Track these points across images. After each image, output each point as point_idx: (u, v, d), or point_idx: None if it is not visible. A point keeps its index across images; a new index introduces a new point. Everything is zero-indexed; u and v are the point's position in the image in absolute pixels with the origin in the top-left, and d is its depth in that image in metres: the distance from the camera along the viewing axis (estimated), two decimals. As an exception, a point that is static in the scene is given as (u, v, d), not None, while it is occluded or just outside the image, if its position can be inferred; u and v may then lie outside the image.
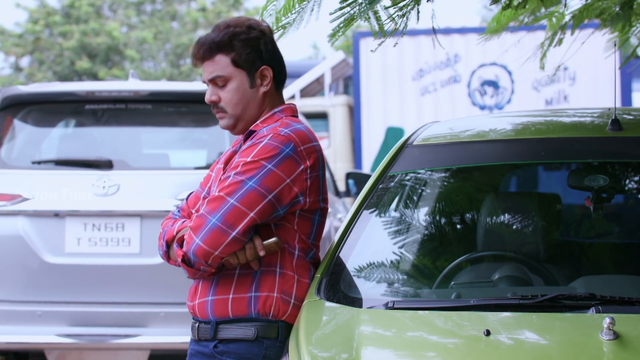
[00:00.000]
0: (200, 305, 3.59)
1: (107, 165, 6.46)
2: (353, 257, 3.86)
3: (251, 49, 3.58)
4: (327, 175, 8.98)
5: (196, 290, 3.62)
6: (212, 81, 3.61)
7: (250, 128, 3.63)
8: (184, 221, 3.63)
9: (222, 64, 3.58)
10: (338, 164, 15.33)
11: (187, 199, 3.77)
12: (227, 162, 3.67)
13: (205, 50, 3.59)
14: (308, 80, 16.69)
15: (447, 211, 4.38)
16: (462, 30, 15.23)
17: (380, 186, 4.12)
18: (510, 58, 13.94)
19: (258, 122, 3.63)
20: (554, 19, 5.48)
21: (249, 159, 3.50)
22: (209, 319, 3.57)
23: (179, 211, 3.75)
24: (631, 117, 4.25)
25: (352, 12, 4.04)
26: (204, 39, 3.61)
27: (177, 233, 3.57)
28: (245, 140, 3.64)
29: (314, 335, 3.39)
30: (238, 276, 3.54)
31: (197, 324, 3.61)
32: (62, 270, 6.33)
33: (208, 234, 3.45)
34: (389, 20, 4.13)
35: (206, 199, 3.54)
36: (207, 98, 3.63)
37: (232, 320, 3.53)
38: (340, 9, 4.05)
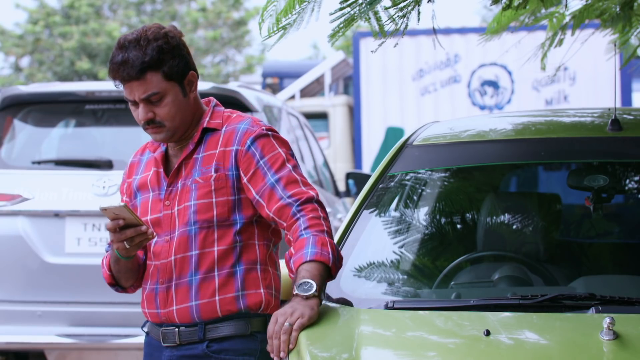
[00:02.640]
0: (180, 311, 3.48)
1: (107, 165, 6.45)
2: (353, 257, 3.85)
3: (178, 59, 3.48)
4: (327, 175, 8.98)
5: (168, 298, 3.50)
6: (146, 100, 3.47)
7: (204, 126, 3.54)
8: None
9: (154, 81, 3.45)
10: (338, 164, 15.32)
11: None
12: (178, 165, 3.54)
13: (136, 71, 3.43)
14: (308, 80, 16.69)
15: (447, 211, 4.38)
16: (462, 31, 15.23)
17: (380, 186, 4.11)
18: (510, 58, 13.94)
19: (207, 119, 3.55)
20: (554, 20, 5.48)
21: (281, 152, 3.50)
22: (194, 322, 3.49)
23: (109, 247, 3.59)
24: (631, 117, 4.25)
25: (352, 12, 4.04)
26: (130, 60, 3.43)
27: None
28: (198, 139, 3.54)
29: (314, 335, 3.38)
30: (219, 277, 3.47)
31: (176, 329, 3.50)
32: (62, 270, 6.32)
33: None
34: (389, 21, 4.13)
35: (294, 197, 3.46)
36: (141, 117, 3.48)
37: (222, 319, 3.48)
38: (341, 9, 4.04)
